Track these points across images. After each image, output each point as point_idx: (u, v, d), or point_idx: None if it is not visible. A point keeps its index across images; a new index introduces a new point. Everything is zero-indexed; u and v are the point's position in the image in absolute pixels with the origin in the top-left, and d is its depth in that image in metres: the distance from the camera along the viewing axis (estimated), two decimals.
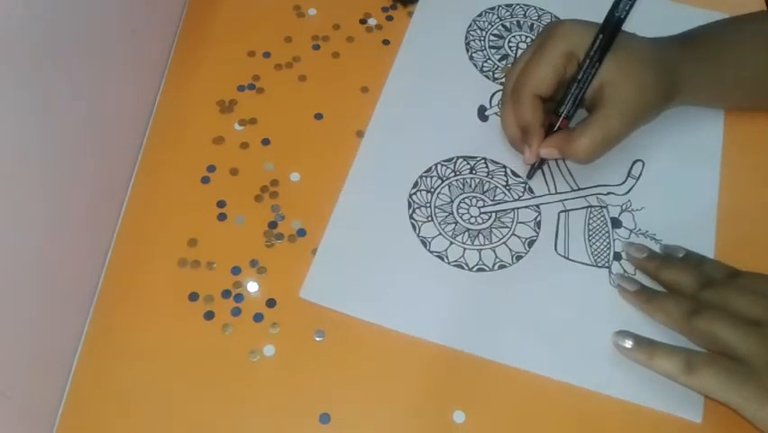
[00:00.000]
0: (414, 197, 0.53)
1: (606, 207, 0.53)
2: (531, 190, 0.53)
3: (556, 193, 0.53)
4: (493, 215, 0.52)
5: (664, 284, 0.49)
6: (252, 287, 0.49)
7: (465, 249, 0.51)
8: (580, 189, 0.53)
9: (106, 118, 0.50)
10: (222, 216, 0.52)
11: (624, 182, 0.54)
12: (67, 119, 0.44)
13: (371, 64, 0.59)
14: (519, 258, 0.51)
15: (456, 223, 0.52)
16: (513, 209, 0.53)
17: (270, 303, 0.49)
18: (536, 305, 0.49)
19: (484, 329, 0.48)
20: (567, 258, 0.51)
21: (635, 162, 0.54)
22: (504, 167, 0.54)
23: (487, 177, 0.54)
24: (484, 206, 0.53)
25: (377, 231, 0.51)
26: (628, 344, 0.46)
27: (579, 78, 0.50)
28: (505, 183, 0.53)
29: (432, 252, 0.51)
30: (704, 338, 0.45)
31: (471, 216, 0.52)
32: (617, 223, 0.52)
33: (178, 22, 0.61)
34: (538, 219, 0.52)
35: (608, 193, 0.53)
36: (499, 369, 0.47)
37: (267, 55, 0.60)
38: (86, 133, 0.47)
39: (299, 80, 0.59)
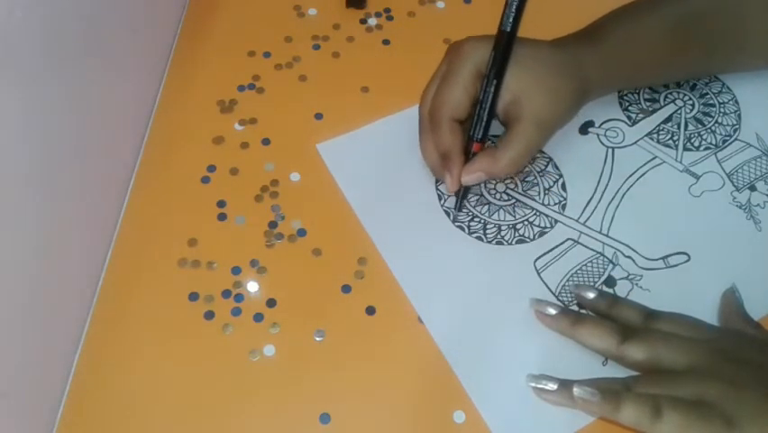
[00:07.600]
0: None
1: (616, 265, 0.50)
2: (564, 207, 0.53)
3: (583, 223, 0.52)
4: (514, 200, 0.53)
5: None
6: (252, 287, 0.49)
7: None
8: (605, 235, 0.52)
9: (106, 118, 0.50)
10: (222, 216, 0.52)
11: (654, 260, 0.51)
12: (67, 119, 0.44)
13: (371, 64, 0.60)
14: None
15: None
16: (534, 212, 0.53)
17: (270, 303, 0.49)
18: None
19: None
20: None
21: (678, 253, 0.51)
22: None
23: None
24: (506, 189, 0.53)
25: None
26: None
27: (480, 98, 0.48)
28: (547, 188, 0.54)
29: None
30: (642, 358, 0.43)
31: (498, 192, 0.53)
32: (611, 282, 0.50)
33: (178, 22, 0.61)
34: (545, 231, 0.52)
35: (628, 257, 0.51)
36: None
37: (267, 55, 0.60)
38: (87, 134, 0.47)
39: (299, 80, 0.59)
